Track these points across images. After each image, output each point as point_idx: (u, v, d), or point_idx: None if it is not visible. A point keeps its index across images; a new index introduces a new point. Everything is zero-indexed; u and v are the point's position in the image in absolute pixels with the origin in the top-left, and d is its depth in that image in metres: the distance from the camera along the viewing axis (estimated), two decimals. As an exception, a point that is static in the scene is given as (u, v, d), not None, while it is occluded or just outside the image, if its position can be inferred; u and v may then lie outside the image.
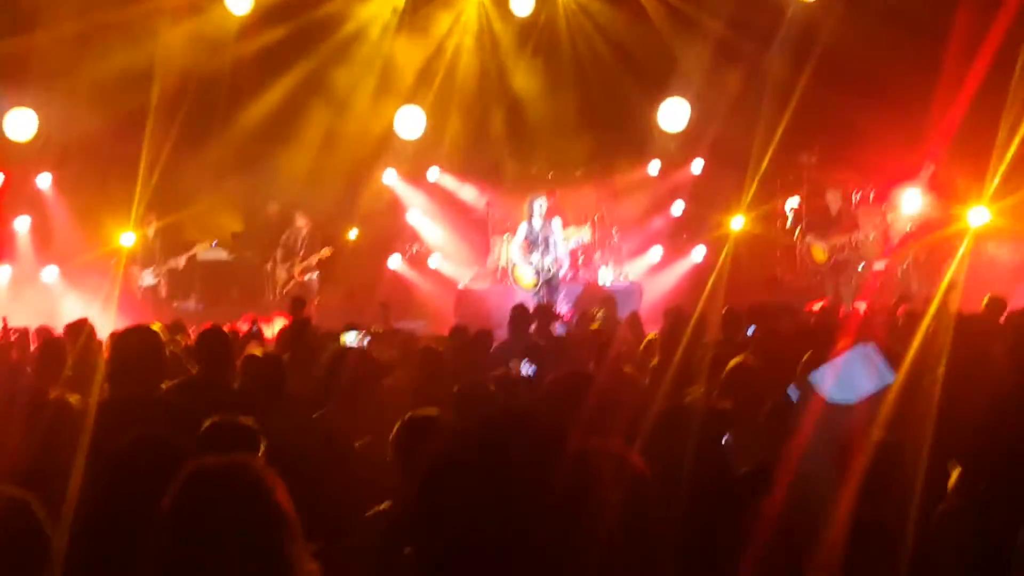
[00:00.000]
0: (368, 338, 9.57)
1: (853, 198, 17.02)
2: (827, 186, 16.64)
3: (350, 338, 9.54)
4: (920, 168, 16.07)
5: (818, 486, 2.16)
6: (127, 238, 16.09)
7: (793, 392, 2.15)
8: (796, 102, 16.28)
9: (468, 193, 19.22)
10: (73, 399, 5.46)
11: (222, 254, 18.61)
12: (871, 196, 17.19)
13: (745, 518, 2.62)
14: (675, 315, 10.19)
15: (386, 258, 18.77)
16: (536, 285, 15.40)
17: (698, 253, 18.16)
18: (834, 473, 2.18)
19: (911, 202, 16.47)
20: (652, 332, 10.86)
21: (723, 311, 9.64)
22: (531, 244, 15.48)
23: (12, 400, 6.30)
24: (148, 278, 16.68)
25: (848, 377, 2.11)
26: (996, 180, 14.59)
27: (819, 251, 16.08)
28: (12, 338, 11.89)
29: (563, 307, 15.14)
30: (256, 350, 9.27)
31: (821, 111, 16.84)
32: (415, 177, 19.17)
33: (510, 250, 16.48)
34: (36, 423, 5.59)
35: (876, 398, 2.16)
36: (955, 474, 3.80)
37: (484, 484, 1.85)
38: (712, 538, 2.88)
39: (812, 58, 16.22)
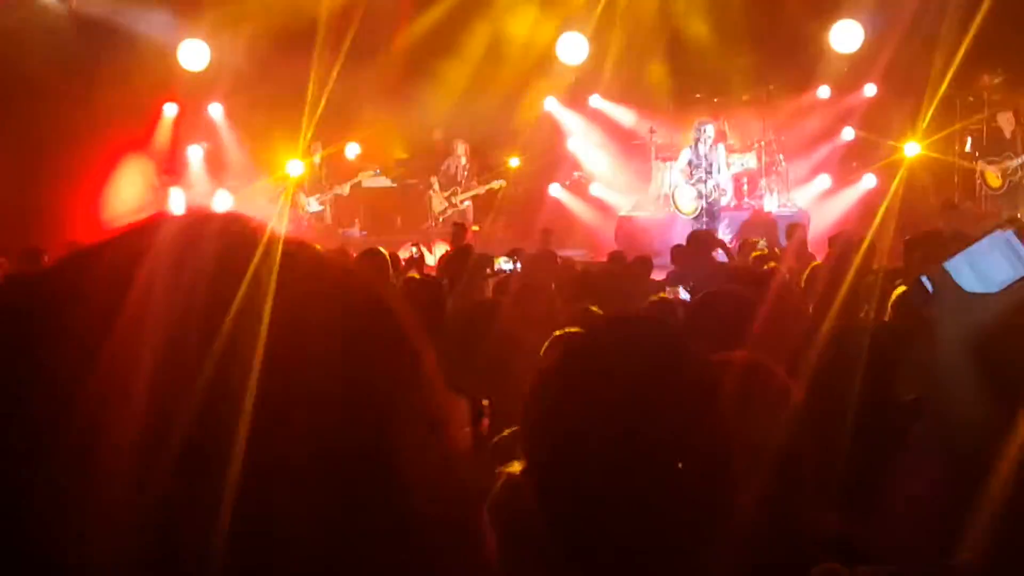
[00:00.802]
0: (519, 263, 9.53)
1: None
2: (1010, 110, 15.86)
3: (503, 264, 9.52)
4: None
5: (956, 385, 2.01)
6: (294, 166, 16.44)
7: (927, 282, 1.99)
8: (978, 20, 15.46)
9: (630, 119, 18.94)
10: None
11: (385, 181, 18.86)
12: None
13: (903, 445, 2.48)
14: (842, 242, 9.88)
15: (547, 185, 18.72)
16: (697, 211, 15.16)
17: (868, 181, 17.54)
18: (972, 367, 2.02)
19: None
20: (818, 260, 10.59)
21: (905, 239, 9.26)
22: (694, 169, 15.24)
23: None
24: (314, 205, 17.06)
25: (986, 265, 1.94)
26: None
27: (992, 176, 15.37)
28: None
29: (726, 234, 14.86)
30: (415, 274, 9.40)
31: (1005, 29, 15.95)
32: (576, 103, 18.99)
33: (672, 176, 16.25)
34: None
35: (1017, 287, 1.98)
36: None
37: (586, 392, 1.76)
38: (870, 467, 2.74)
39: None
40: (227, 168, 17.73)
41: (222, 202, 17.29)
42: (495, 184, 17.49)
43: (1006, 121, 15.62)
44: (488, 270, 8.92)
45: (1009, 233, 1.94)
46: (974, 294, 1.92)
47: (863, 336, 3.18)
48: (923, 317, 2.08)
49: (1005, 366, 2.16)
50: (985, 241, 1.95)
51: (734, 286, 4.83)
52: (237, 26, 16.35)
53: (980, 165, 15.51)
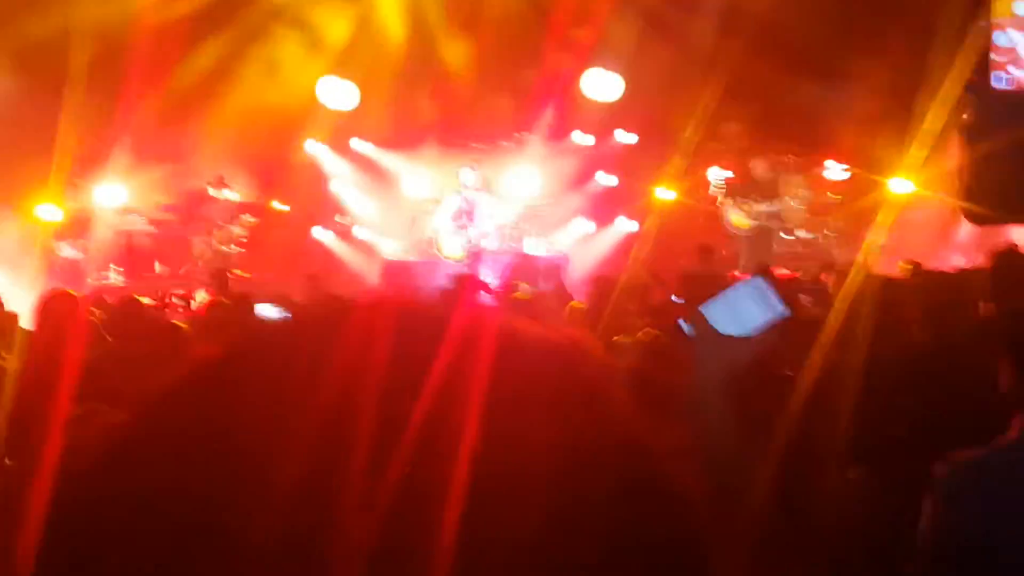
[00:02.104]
0: (285, 313, 9.42)
1: (777, 167, 17.16)
2: (752, 155, 16.76)
3: (267, 310, 9.37)
4: (843, 139, 16.26)
5: (711, 417, 2.15)
6: (48, 211, 15.76)
7: (685, 325, 2.14)
8: (724, 74, 16.38)
9: (394, 163, 19.08)
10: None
11: (145, 225, 18.31)
12: (795, 165, 17.36)
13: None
14: (600, 284, 10.23)
15: (310, 229, 18.61)
16: (462, 256, 15.39)
17: (625, 224, 18.24)
18: (727, 405, 2.18)
19: (834, 171, 16.68)
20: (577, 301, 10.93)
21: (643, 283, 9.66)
22: (459, 215, 15.47)
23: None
24: (68, 250, 16.38)
25: (740, 310, 2.10)
26: (918, 151, 14.86)
27: (739, 218, 16.19)
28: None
29: (490, 279, 15.13)
30: (179, 322, 9.16)
31: (749, 83, 16.95)
32: (340, 147, 18.99)
33: (437, 221, 16.43)
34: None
35: (769, 330, 2.16)
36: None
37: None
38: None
39: (741, 30, 16.32)
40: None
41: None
42: (248, 219, 17.24)
43: (757, 166, 16.49)
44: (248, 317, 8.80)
45: (759, 279, 2.11)
46: (729, 337, 2.08)
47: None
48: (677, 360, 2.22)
49: (755, 404, 2.34)
50: (739, 286, 2.11)
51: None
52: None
53: (727, 206, 16.29)
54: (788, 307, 2.15)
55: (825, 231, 16.73)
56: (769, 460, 2.67)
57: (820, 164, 16.92)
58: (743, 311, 2.15)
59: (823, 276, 10.76)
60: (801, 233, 16.08)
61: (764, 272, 14.34)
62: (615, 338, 6.33)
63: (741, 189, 16.36)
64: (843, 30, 15.76)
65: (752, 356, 2.13)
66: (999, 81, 14.33)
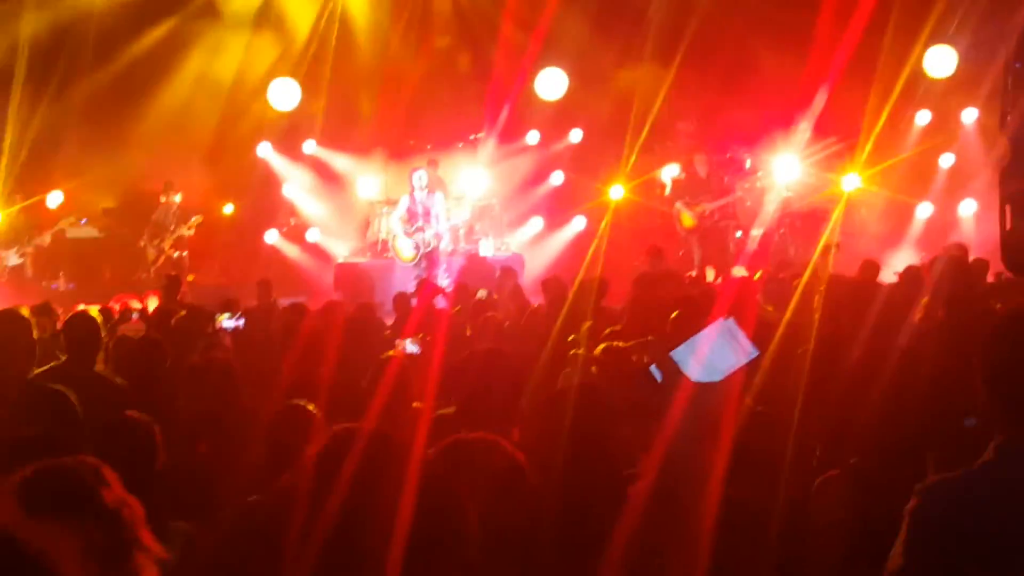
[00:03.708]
0: (243, 320, 9.31)
1: (726, 164, 17.19)
2: (704, 153, 16.77)
3: (226, 322, 9.25)
4: (794, 135, 16.31)
5: (689, 464, 2.11)
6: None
7: (656, 372, 2.08)
8: (675, 71, 16.43)
9: (345, 165, 18.93)
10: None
11: (92, 231, 18.03)
12: (747, 163, 17.40)
13: (620, 507, 2.58)
14: (553, 286, 10.18)
15: (262, 233, 18.41)
16: (416, 258, 15.30)
17: (579, 222, 18.22)
18: (704, 450, 2.13)
19: (787, 169, 16.74)
20: (534, 303, 10.89)
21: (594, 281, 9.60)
22: (412, 217, 15.36)
23: None
24: (13, 258, 16.10)
25: (711, 355, 2.06)
26: (868, 147, 14.98)
27: (687, 217, 16.20)
28: None
29: (444, 280, 15.05)
30: (130, 331, 9.01)
31: (699, 80, 17.01)
32: (290, 150, 18.81)
33: (390, 223, 16.33)
34: None
35: (741, 373, 2.12)
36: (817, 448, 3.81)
37: None
38: (585, 522, 2.83)
39: (689, 27, 16.38)
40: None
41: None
42: (194, 220, 17.03)
43: (700, 163, 16.49)
44: (209, 328, 8.68)
45: (730, 322, 2.06)
46: (699, 384, 2.03)
47: (568, 400, 3.30)
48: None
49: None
50: (708, 331, 2.06)
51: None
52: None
53: (677, 207, 16.31)
54: (755, 348, 2.11)
55: (781, 229, 16.78)
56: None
57: (772, 161, 16.96)
58: (714, 355, 2.10)
59: (780, 275, 10.76)
60: (755, 232, 16.10)
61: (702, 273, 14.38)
62: (571, 352, 6.27)
63: (691, 188, 16.36)
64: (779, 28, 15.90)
65: (725, 401, 2.08)
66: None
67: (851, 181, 15.47)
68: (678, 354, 2.08)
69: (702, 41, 16.41)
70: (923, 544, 2.56)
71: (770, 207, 16.35)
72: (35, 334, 5.69)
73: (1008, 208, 10.87)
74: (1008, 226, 10.81)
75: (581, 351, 6.38)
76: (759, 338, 4.73)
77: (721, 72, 16.94)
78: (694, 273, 14.38)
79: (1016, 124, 10.98)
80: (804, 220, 16.71)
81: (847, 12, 13.08)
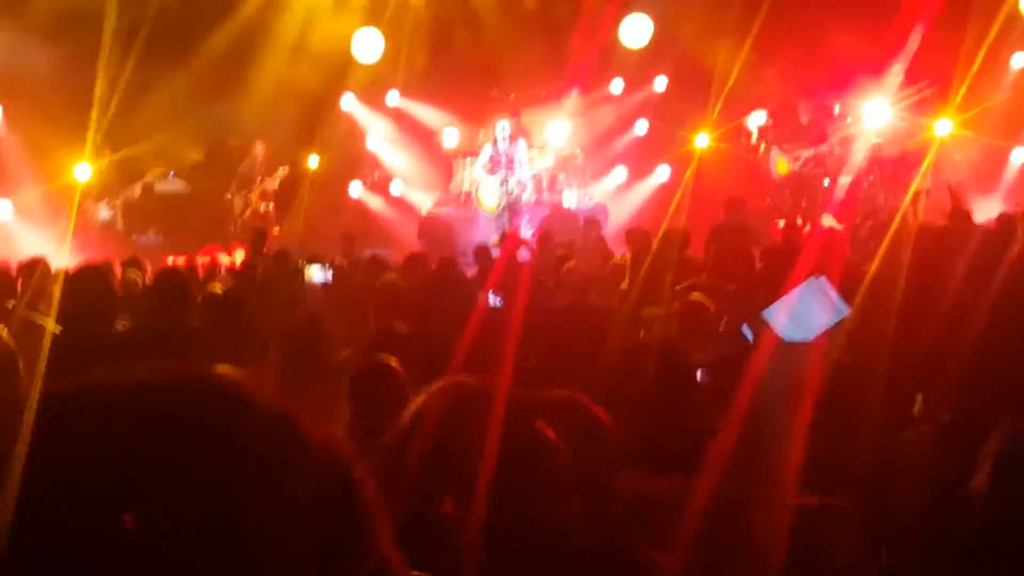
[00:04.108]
0: (331, 272, 9.38)
1: (821, 111, 16.85)
2: (794, 99, 16.47)
3: (316, 274, 9.32)
4: (885, 79, 15.92)
5: (772, 419, 2.07)
6: (82, 171, 15.74)
7: (747, 331, 2.04)
8: (762, 16, 16.07)
9: (429, 116, 18.93)
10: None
11: (179, 185, 18.31)
12: (836, 109, 17.04)
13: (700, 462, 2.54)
14: (637, 237, 10.11)
15: (347, 185, 18.52)
16: (500, 207, 15.29)
17: (663, 172, 18.02)
18: (788, 405, 2.09)
19: (877, 114, 16.35)
20: (619, 255, 10.83)
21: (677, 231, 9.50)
22: (495, 166, 15.35)
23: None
24: (104, 211, 16.41)
25: (802, 314, 2.01)
26: (962, 91, 14.55)
27: (783, 164, 15.92)
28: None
29: (527, 231, 15.03)
30: (217, 287, 9.15)
31: (788, 25, 16.63)
32: (374, 101, 18.84)
33: (473, 172, 16.32)
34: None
35: (831, 332, 2.06)
36: (919, 398, 3.72)
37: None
38: (670, 482, 2.81)
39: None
40: (6, 175, 16.83)
41: (3, 212, 16.44)
42: (281, 171, 17.21)
43: (804, 110, 16.20)
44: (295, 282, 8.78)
45: (821, 280, 2.01)
46: (791, 343, 1.98)
47: (649, 356, 3.25)
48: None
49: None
50: (799, 289, 2.01)
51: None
52: (15, 30, 15.52)
53: (773, 152, 16.03)
54: (848, 305, 2.05)
55: (870, 176, 16.42)
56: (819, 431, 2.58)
57: (861, 107, 16.57)
58: (805, 314, 2.04)
59: (869, 223, 10.54)
60: (844, 180, 15.78)
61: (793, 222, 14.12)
62: (644, 311, 6.20)
63: (786, 135, 16.06)
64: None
65: (814, 361, 2.03)
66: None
67: (944, 126, 15.05)
68: (770, 312, 2.03)
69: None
70: (1006, 485, 2.50)
71: (859, 154, 15.99)
72: (120, 288, 5.80)
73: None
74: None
75: (660, 307, 6.31)
76: (846, 289, 4.64)
77: (810, 17, 16.54)
78: (782, 223, 14.15)
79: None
80: (894, 167, 16.32)
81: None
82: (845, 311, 2.00)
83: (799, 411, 2.04)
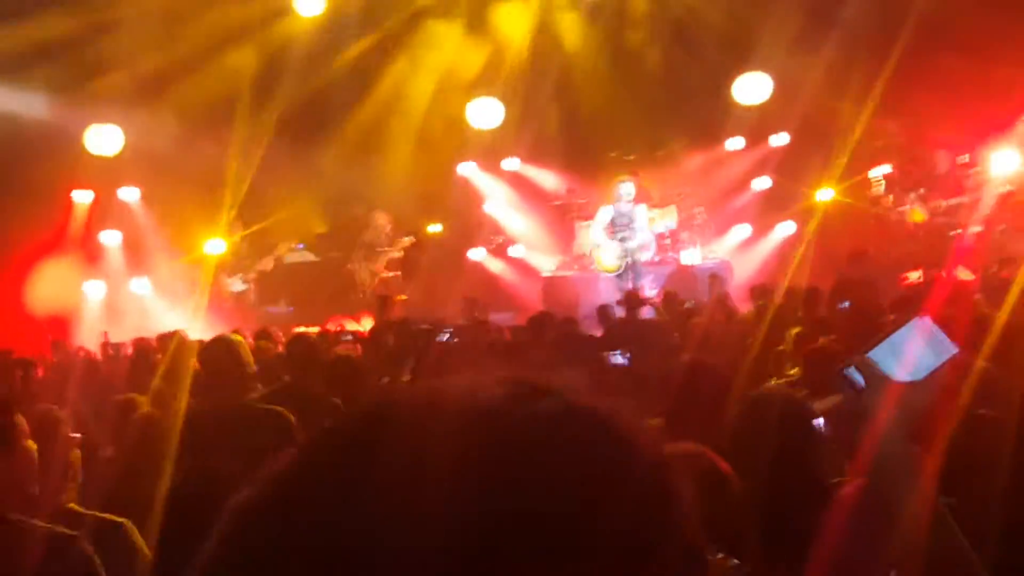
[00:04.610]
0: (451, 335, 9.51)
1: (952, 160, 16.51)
2: (919, 150, 16.18)
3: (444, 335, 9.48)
4: (1013, 127, 15.55)
5: (899, 469, 2.03)
6: (215, 245, 16.23)
7: (855, 374, 2.00)
8: (885, 68, 15.85)
9: (547, 180, 19.09)
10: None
11: (308, 256, 18.76)
12: (966, 158, 16.67)
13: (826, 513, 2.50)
14: (761, 293, 10.02)
15: (466, 251, 18.74)
16: (621, 268, 15.29)
17: (786, 228, 17.82)
18: (914, 453, 2.04)
19: (1006, 162, 15.95)
20: (743, 310, 10.75)
21: (804, 290, 9.40)
22: (615, 227, 15.37)
23: (101, 416, 6.42)
24: (237, 284, 16.89)
25: (910, 353, 1.97)
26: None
27: (918, 212, 15.60)
28: (109, 352, 12.18)
29: (650, 290, 14.99)
30: (343, 350, 9.35)
31: (912, 76, 16.36)
32: (491, 167, 19.08)
33: (591, 234, 16.37)
34: (124, 438, 5.68)
35: (941, 371, 2.02)
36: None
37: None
38: (792, 529, 2.77)
39: (902, 22, 15.77)
40: (144, 253, 17.42)
41: (140, 288, 16.99)
42: (405, 240, 17.52)
43: (942, 159, 15.92)
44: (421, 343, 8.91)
45: (925, 319, 1.97)
46: (904, 383, 1.94)
47: (775, 403, 3.21)
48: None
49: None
50: (903, 329, 1.98)
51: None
52: (150, 110, 16.10)
53: (911, 199, 15.72)
54: (956, 345, 2.01)
55: (1002, 225, 15.97)
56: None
57: (989, 155, 16.17)
58: (913, 354, 2.00)
59: (1004, 273, 10.26)
60: (974, 229, 15.39)
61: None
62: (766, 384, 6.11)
63: (916, 185, 15.74)
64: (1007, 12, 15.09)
65: (930, 400, 1.98)
66: None
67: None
68: (876, 354, 2.00)
69: (916, 35, 15.76)
70: None
71: (989, 202, 15.59)
72: (251, 357, 5.97)
73: None
74: None
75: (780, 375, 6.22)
76: (975, 337, 4.52)
77: (937, 70, 16.25)
78: (916, 275, 13.83)
79: None
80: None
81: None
82: (953, 349, 1.95)
83: (926, 453, 1.99)
